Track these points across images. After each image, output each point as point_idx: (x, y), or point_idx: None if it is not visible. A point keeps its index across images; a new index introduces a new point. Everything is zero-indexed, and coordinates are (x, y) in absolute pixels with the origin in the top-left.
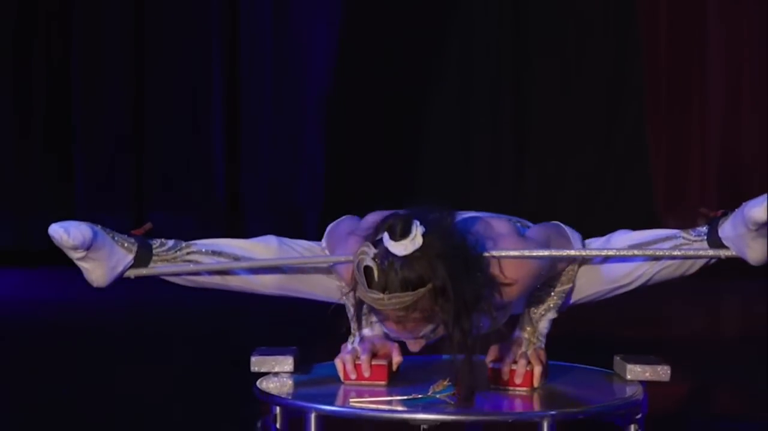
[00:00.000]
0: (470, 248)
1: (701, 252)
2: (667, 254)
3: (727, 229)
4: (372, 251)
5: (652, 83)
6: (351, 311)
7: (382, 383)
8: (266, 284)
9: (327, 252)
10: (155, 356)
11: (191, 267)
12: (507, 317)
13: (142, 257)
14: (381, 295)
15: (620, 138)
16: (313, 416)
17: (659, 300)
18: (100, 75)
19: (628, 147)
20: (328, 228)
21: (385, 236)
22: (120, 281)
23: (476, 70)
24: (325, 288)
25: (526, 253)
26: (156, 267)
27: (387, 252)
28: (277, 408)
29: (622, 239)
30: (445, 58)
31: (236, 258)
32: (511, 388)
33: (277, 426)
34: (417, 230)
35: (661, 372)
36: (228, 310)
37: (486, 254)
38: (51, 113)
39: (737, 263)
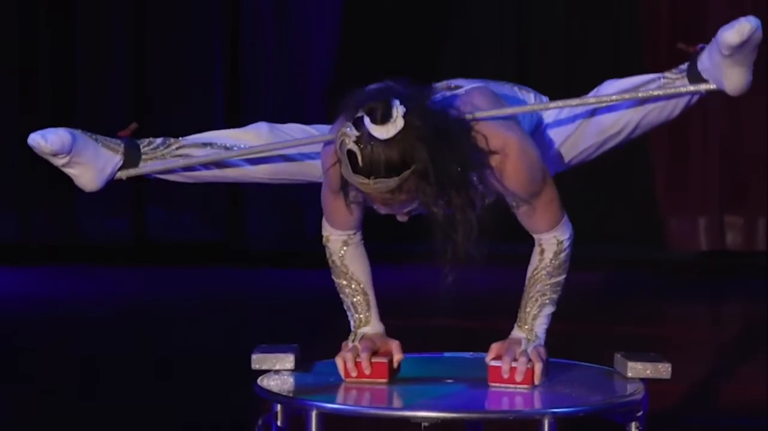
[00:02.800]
0: (452, 124)
1: (682, 89)
2: (649, 94)
3: (704, 60)
4: (353, 133)
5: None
6: (347, 302)
7: (383, 380)
8: (259, 170)
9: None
10: (155, 353)
11: (182, 162)
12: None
13: (131, 157)
14: (366, 180)
15: None
16: (314, 414)
17: (660, 298)
18: (103, 65)
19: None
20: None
21: (366, 119)
22: (112, 183)
23: (479, 55)
24: (320, 172)
25: (508, 111)
26: (146, 166)
27: (369, 135)
28: (278, 406)
29: (610, 88)
30: (447, 46)
31: (227, 148)
32: (511, 386)
33: (278, 423)
34: (398, 113)
35: (662, 370)
36: (228, 307)
37: (468, 123)
38: (54, 106)
39: (739, 261)
